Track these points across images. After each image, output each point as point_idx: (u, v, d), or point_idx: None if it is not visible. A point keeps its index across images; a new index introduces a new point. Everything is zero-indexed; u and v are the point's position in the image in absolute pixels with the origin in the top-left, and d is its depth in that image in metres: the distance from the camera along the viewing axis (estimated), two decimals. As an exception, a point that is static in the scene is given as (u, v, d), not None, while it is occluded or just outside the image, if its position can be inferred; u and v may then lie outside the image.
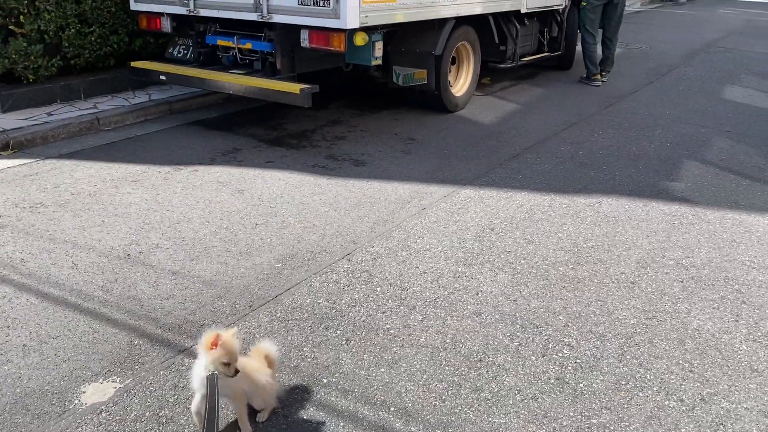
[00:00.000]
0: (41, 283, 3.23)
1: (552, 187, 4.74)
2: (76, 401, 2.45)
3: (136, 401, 2.45)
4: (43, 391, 2.50)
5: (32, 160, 4.92)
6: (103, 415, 2.38)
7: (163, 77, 5.83)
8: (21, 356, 2.69)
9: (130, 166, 4.86)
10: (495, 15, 6.92)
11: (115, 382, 2.56)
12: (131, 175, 4.67)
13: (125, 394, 2.49)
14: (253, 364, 2.33)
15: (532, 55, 8.01)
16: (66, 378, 2.57)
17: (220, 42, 5.81)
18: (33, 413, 2.38)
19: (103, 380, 2.56)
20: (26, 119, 5.56)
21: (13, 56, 5.82)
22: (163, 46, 6.72)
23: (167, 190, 4.43)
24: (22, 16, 5.94)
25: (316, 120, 6.29)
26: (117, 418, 2.37)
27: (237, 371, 2.15)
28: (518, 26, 7.33)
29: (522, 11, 7.24)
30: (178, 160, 5.02)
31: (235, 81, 5.48)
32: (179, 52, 6.16)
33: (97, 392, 2.49)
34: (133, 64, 6.10)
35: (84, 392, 2.49)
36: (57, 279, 3.27)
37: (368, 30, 5.19)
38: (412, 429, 2.36)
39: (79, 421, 2.35)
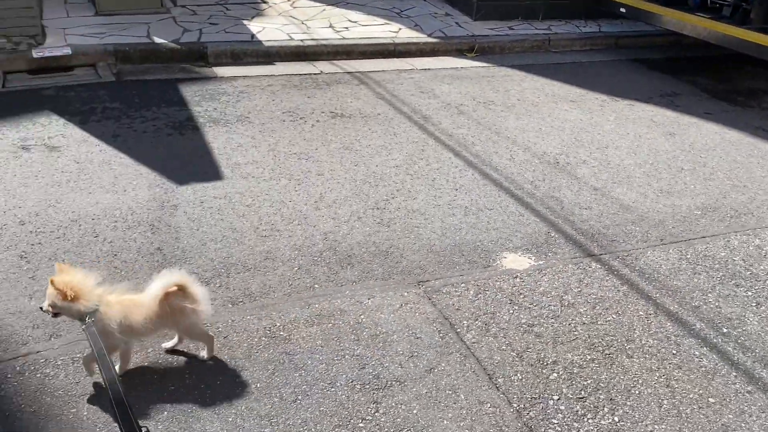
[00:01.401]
0: (484, 164, 3.81)
1: None
2: (498, 262, 2.92)
3: (545, 279, 2.82)
4: (474, 246, 3.04)
5: (489, 65, 5.60)
6: (517, 279, 2.81)
7: (622, 9, 5.89)
8: (462, 215, 3.28)
9: (571, 87, 5.17)
10: None
11: (531, 259, 2.96)
12: (570, 96, 4.98)
13: (537, 271, 2.87)
14: (128, 301, 2.08)
15: None
16: (493, 242, 3.07)
17: (694, -19, 5.56)
18: (466, 258, 2.94)
19: (522, 254, 2.98)
20: (491, 29, 6.27)
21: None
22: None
23: (601, 116, 4.62)
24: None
25: (773, 82, 5.66)
26: (528, 286, 2.77)
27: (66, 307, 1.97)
28: None
29: None
30: (616, 91, 5.13)
31: (698, 23, 5.24)
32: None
33: (515, 261, 2.93)
34: (600, -8, 6.29)
35: (505, 258, 2.95)
36: (496, 165, 3.80)
37: None
38: (813, 410, 2.22)
39: (498, 276, 2.82)
